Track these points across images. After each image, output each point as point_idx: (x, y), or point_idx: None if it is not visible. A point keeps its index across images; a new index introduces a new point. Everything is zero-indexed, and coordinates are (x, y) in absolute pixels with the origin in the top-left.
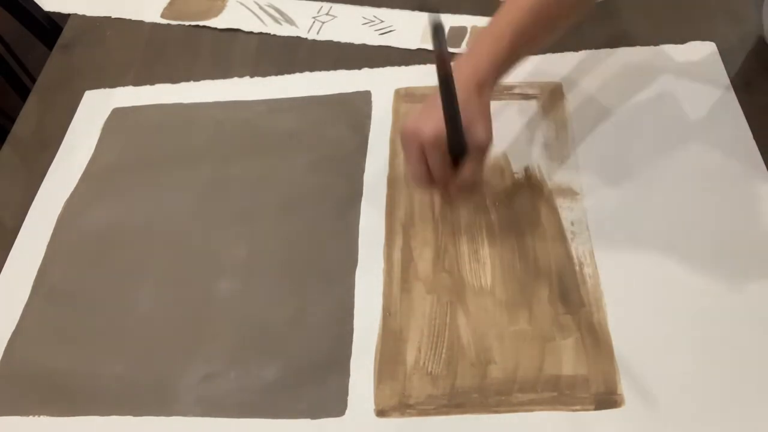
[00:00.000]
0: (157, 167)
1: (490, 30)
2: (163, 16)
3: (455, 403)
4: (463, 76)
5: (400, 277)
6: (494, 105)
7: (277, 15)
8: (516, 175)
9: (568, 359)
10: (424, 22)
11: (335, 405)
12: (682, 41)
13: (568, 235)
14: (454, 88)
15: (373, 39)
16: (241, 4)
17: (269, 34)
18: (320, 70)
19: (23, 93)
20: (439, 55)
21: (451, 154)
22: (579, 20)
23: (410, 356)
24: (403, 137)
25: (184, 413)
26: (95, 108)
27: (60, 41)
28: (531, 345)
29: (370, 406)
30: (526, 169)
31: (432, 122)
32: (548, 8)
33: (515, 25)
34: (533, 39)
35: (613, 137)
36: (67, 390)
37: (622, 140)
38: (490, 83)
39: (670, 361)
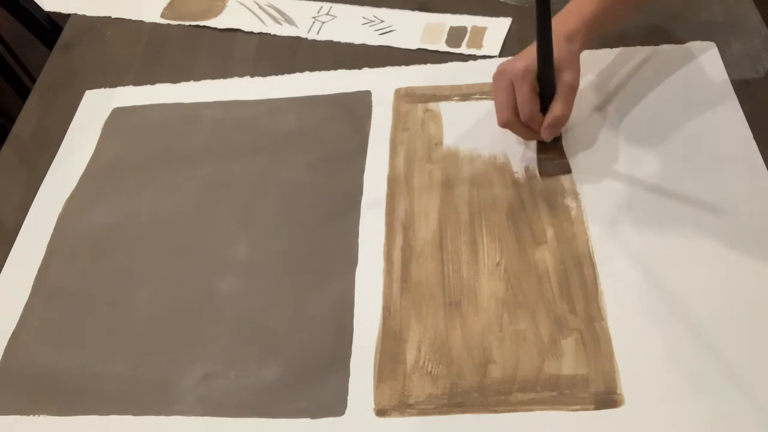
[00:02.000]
0: (158, 167)
1: None
2: (163, 16)
3: (455, 402)
4: (552, 27)
5: (400, 277)
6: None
7: (277, 15)
8: (516, 175)
9: (568, 359)
10: (424, 22)
11: (335, 404)
12: (682, 41)
13: (568, 235)
14: (549, 13)
15: (373, 39)
16: (241, 4)
17: (269, 34)
18: (320, 70)
19: (23, 93)
20: None
21: (540, 88)
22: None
23: (410, 356)
24: (495, 75)
25: (184, 413)
26: (95, 108)
27: (60, 41)
28: (531, 345)
29: (370, 405)
30: (526, 169)
31: (522, 60)
32: None
33: None
34: (624, 3)
35: (613, 137)
36: (67, 389)
37: (622, 140)
38: (579, 35)
39: (670, 361)
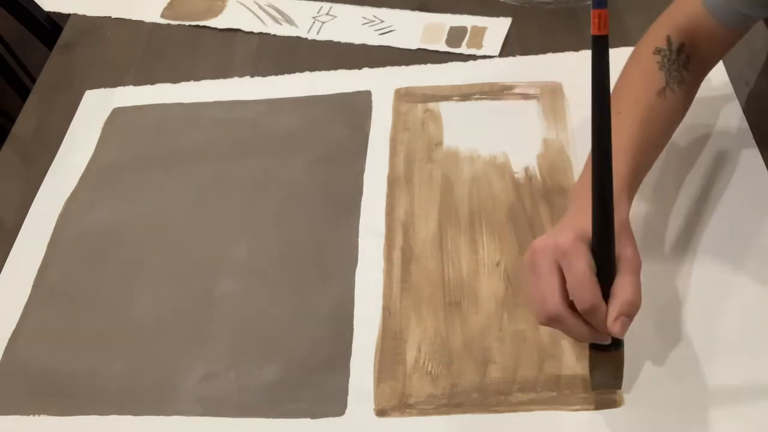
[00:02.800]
0: (158, 167)
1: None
2: (163, 16)
3: (455, 402)
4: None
5: (400, 277)
6: (495, 105)
7: (277, 15)
8: (516, 175)
9: (568, 359)
10: (424, 22)
11: (335, 404)
12: None
13: None
14: (611, 169)
15: (373, 39)
16: (241, 4)
17: (269, 34)
18: (320, 70)
19: (23, 93)
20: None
21: (601, 270)
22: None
23: (410, 356)
24: (531, 255)
25: (184, 413)
26: (95, 108)
27: (60, 41)
28: (531, 345)
29: (370, 405)
30: (526, 169)
31: (568, 231)
32: (654, 117)
33: (632, 139)
34: (650, 150)
35: None
36: (67, 389)
37: None
38: (624, 199)
39: (670, 361)
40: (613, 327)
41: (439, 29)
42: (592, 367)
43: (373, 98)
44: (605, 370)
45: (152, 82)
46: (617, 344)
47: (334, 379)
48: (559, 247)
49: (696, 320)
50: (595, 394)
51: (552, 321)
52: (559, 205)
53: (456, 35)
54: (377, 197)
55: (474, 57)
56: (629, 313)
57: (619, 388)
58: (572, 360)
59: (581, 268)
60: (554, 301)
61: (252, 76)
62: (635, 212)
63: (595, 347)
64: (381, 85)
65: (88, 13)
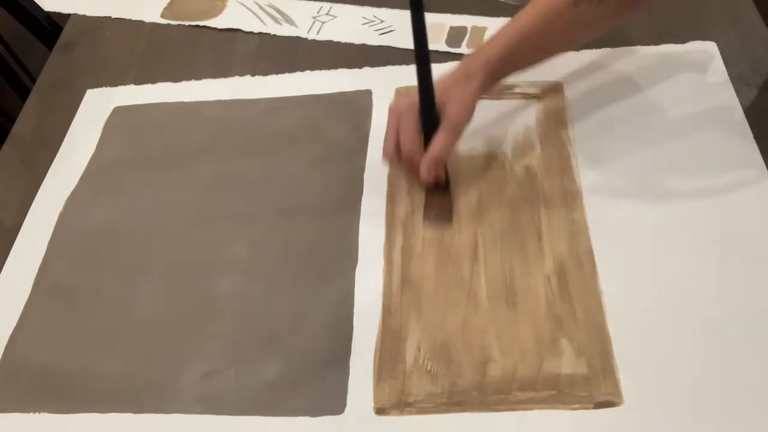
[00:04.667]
0: (158, 166)
1: (499, 30)
2: (163, 16)
3: (454, 401)
4: (458, 65)
5: (400, 276)
6: (495, 105)
7: (277, 15)
8: (516, 174)
9: (567, 358)
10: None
11: (335, 403)
12: (682, 41)
13: (568, 234)
14: (428, 52)
15: (373, 39)
16: (241, 4)
17: (269, 34)
18: (320, 69)
19: (23, 93)
20: (416, 17)
21: (423, 125)
22: (590, 39)
23: (410, 354)
24: (388, 112)
25: (184, 411)
26: (96, 107)
27: (60, 41)
28: (530, 344)
29: (370, 404)
30: (526, 169)
31: (411, 97)
32: (558, 20)
33: (521, 28)
34: (538, 46)
35: (613, 137)
36: (68, 387)
37: (622, 140)
38: (479, 74)
39: (670, 361)
40: (422, 170)
41: (439, 29)
42: (426, 204)
43: (374, 98)
44: (435, 206)
45: (152, 83)
46: (444, 187)
47: (334, 378)
48: (399, 109)
49: (696, 319)
50: (592, 393)
51: (389, 161)
52: (560, 204)
53: (456, 35)
54: (377, 196)
55: None
56: (434, 159)
57: (450, 222)
58: (572, 359)
59: (408, 126)
60: (389, 148)
61: (252, 76)
62: (632, 210)
63: (429, 190)
64: (381, 84)
65: (88, 13)
